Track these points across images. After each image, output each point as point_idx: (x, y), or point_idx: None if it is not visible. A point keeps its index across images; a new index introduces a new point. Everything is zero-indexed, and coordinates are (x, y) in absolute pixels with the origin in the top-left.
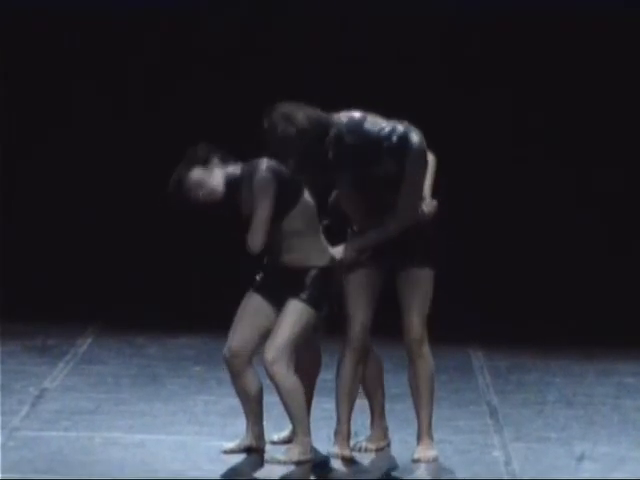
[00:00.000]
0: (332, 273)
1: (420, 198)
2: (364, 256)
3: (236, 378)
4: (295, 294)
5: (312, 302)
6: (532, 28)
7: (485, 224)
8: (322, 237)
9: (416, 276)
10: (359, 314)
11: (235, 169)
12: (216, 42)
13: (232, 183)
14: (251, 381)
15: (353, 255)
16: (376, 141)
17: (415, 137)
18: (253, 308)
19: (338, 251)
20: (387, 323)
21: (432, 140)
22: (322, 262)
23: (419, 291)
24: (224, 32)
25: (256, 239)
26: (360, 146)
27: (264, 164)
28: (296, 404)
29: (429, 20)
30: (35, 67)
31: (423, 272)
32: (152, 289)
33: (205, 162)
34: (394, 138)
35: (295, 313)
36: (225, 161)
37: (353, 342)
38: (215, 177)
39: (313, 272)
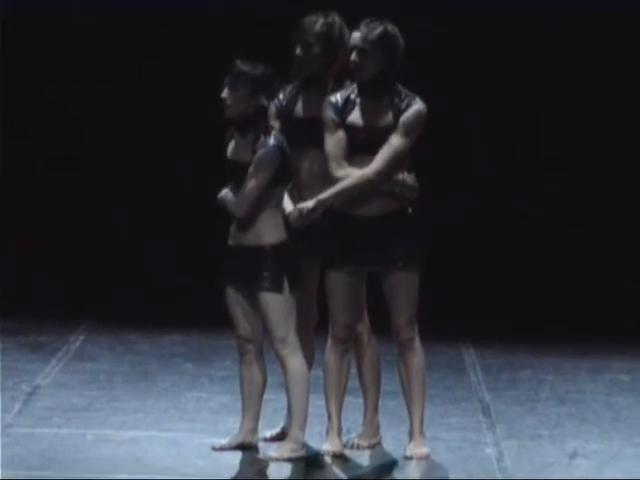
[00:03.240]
0: (286, 249)
1: (398, 159)
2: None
3: (246, 367)
4: (255, 281)
5: (274, 287)
6: (532, 28)
7: (477, 222)
8: (280, 207)
9: (401, 279)
10: (340, 316)
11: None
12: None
13: (245, 126)
14: (259, 373)
15: (324, 203)
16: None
17: (421, 103)
18: (234, 300)
19: (307, 205)
20: (378, 320)
21: (430, 138)
22: (274, 239)
23: (405, 293)
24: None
25: (242, 207)
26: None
27: (276, 138)
28: (300, 392)
29: (429, 19)
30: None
31: (408, 274)
32: (144, 287)
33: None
34: (402, 94)
35: (268, 306)
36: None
37: (336, 341)
38: (241, 103)
39: (266, 252)
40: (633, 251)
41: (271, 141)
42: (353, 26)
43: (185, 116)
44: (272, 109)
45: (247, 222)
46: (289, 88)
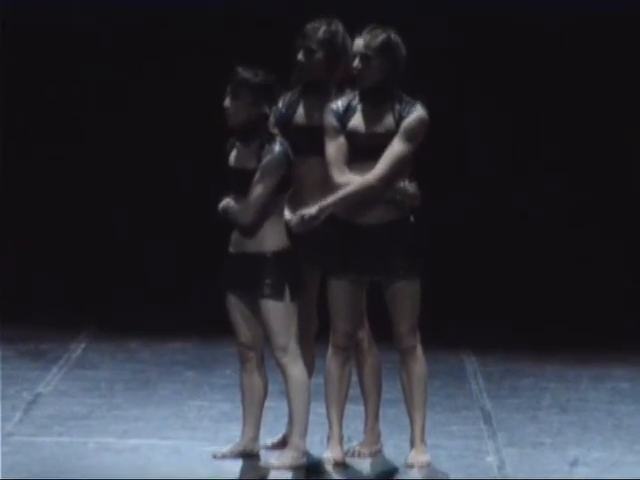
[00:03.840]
0: (288, 256)
1: (400, 166)
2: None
3: (247, 375)
4: (256, 288)
5: (275, 295)
6: (532, 28)
7: (477, 222)
8: (282, 214)
9: (402, 289)
10: (341, 324)
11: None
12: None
13: (247, 134)
14: (260, 381)
15: (326, 209)
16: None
17: (423, 110)
18: (235, 308)
19: (309, 211)
20: (379, 328)
21: (430, 138)
22: (277, 246)
23: (407, 302)
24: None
25: (249, 215)
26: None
27: (281, 145)
28: (301, 400)
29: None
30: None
31: (409, 283)
32: (145, 295)
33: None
34: (404, 101)
35: (269, 313)
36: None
37: (336, 349)
38: (243, 111)
39: (268, 259)
40: (633, 251)
41: (277, 147)
42: (353, 31)
43: (185, 116)
44: (271, 116)
45: (250, 229)
46: (288, 95)
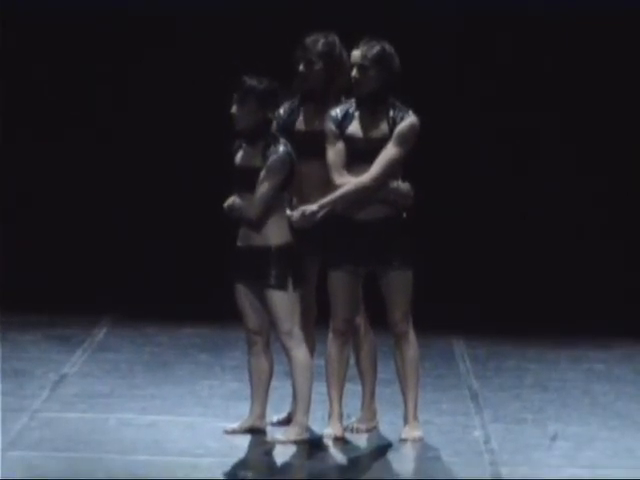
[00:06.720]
0: (291, 250)
1: (392, 168)
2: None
3: (254, 357)
4: (262, 279)
5: (279, 285)
6: (532, 28)
7: (477, 222)
8: (285, 210)
9: (396, 279)
10: (340, 311)
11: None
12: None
13: (253, 136)
14: (266, 363)
15: (325, 206)
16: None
17: (414, 117)
18: (243, 297)
19: (310, 207)
20: (377, 314)
21: (431, 138)
22: (280, 240)
23: (400, 291)
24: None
25: (255, 210)
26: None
27: (285, 145)
28: (304, 380)
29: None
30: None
31: (403, 273)
32: (162, 283)
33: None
34: (397, 108)
35: (274, 302)
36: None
37: (336, 334)
38: (250, 117)
39: (272, 252)
40: (633, 251)
41: (281, 148)
42: (348, 42)
43: (185, 116)
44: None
45: (256, 224)
46: (288, 104)
